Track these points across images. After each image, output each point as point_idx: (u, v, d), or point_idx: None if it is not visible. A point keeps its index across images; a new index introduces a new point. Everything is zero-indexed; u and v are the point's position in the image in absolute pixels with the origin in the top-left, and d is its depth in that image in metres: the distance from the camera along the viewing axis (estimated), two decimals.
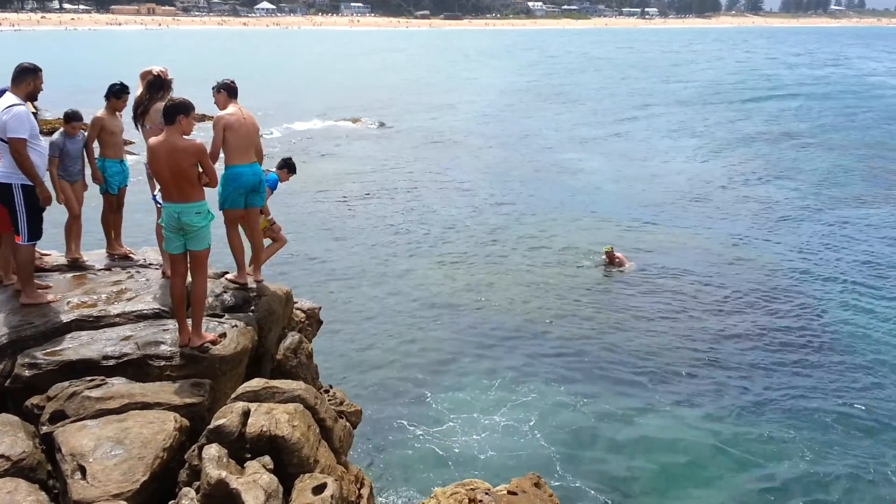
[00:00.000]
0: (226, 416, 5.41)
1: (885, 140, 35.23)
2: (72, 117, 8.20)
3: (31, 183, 6.76)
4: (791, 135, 36.86)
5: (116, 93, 8.23)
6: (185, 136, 6.26)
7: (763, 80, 64.89)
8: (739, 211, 22.57)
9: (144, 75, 7.90)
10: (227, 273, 8.06)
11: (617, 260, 17.09)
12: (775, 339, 13.64)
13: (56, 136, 8.13)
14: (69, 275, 7.92)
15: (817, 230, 20.61)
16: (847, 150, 33.05)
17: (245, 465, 5.17)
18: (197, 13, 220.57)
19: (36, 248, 7.36)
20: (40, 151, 6.99)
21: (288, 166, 8.87)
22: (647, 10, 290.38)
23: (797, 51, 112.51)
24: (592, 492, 9.35)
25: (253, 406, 5.60)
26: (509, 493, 7.46)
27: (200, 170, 6.33)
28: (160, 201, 6.58)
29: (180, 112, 6.19)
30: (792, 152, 32.30)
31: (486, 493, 7.42)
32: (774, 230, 20.58)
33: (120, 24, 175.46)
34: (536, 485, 7.74)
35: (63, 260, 8.25)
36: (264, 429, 5.34)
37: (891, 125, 39.48)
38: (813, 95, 53.73)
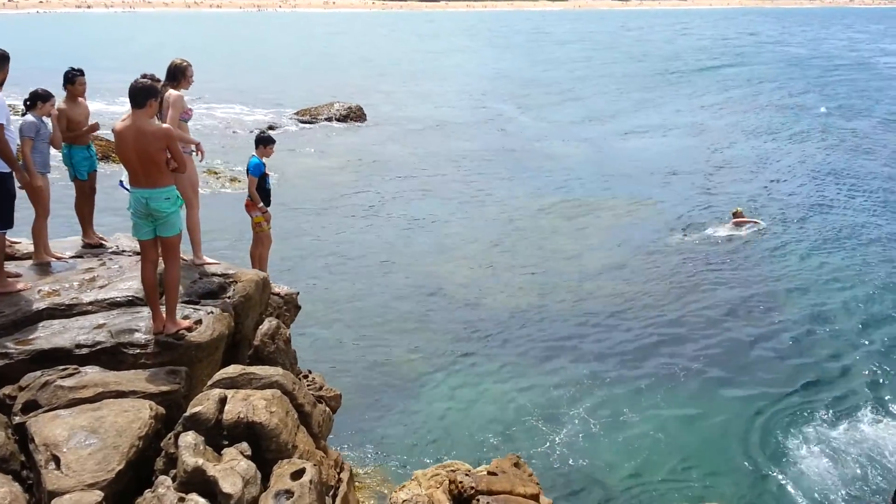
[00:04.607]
0: (202, 404, 5.35)
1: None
2: (47, 97, 7.67)
3: (3, 170, 6.60)
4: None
5: (70, 79, 7.98)
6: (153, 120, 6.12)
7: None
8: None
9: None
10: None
11: (742, 221, 18.22)
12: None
13: (30, 117, 7.57)
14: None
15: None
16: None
17: (222, 452, 5.12)
18: None
19: (6, 237, 7.19)
20: (12, 138, 6.83)
21: (261, 141, 8.82)
22: None
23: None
24: (572, 471, 9.44)
25: (230, 393, 5.55)
26: (489, 473, 7.49)
27: (168, 155, 6.19)
28: (127, 186, 6.43)
29: (150, 95, 6.04)
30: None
31: (467, 475, 7.45)
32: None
33: (90, 7, 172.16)
34: (516, 465, 7.78)
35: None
36: (241, 415, 5.29)
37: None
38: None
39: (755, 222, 18.58)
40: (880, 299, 14.68)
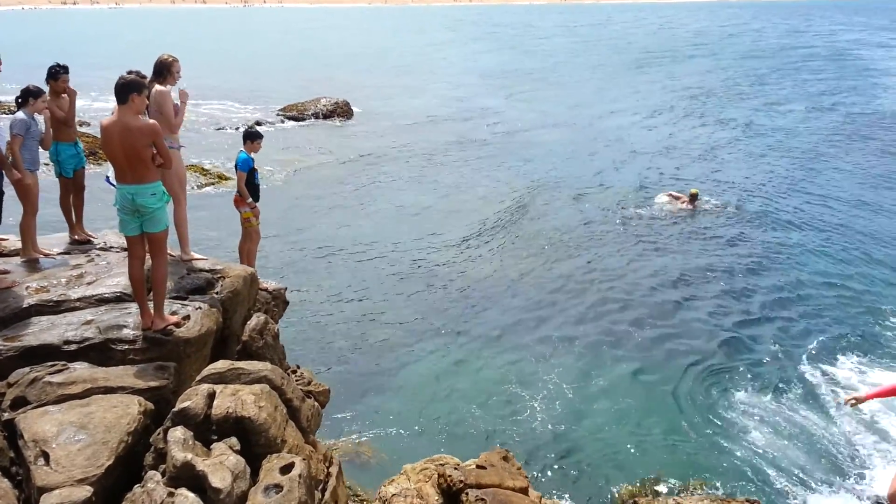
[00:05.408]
0: (191, 399, 5.36)
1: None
2: (38, 93, 7.63)
3: None
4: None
5: (54, 75, 7.96)
6: (138, 116, 6.10)
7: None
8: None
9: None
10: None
11: (690, 203, 19.57)
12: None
13: (21, 114, 7.53)
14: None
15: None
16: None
17: (211, 446, 5.14)
18: None
19: None
20: (2, 136, 6.81)
21: (249, 136, 8.82)
22: None
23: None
24: (558, 464, 9.51)
25: (218, 388, 5.56)
26: (478, 467, 7.53)
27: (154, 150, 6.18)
28: (113, 182, 6.42)
29: (133, 90, 6.01)
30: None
31: (455, 468, 7.49)
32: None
33: (75, 3, 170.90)
34: (504, 458, 7.83)
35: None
36: (230, 410, 5.31)
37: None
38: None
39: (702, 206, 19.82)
40: (814, 273, 15.65)
